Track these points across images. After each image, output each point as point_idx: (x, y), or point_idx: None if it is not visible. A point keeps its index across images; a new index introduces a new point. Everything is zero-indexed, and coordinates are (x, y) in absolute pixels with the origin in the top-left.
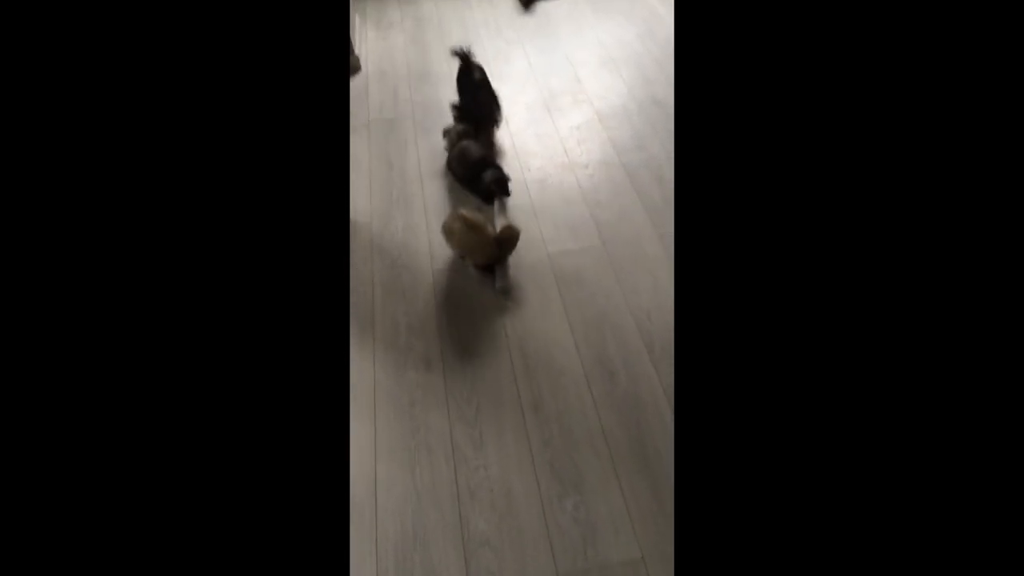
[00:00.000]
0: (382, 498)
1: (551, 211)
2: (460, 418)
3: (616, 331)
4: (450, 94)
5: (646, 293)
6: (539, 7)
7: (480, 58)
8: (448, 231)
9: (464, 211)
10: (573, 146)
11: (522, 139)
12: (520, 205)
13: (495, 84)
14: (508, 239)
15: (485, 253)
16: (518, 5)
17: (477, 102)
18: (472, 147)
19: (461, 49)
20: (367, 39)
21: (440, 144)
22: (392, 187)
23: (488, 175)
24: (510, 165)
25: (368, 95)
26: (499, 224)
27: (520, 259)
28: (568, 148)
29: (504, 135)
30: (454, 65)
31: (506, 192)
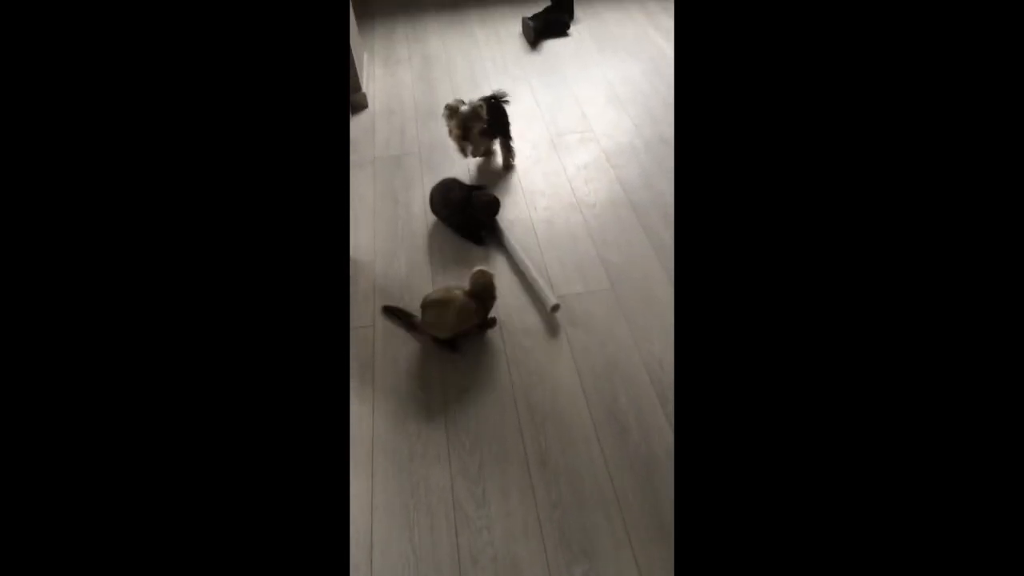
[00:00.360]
0: (378, 562)
1: (558, 251)
2: (462, 472)
3: (627, 381)
4: None
5: (658, 339)
6: (545, 45)
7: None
8: (432, 324)
9: (427, 296)
10: (580, 185)
11: (529, 178)
12: (527, 245)
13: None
14: (484, 287)
15: (471, 315)
16: (525, 43)
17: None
18: (456, 183)
19: (498, 95)
20: (375, 76)
21: None
22: (397, 223)
23: (476, 199)
24: (517, 204)
25: (375, 131)
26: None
27: (527, 303)
28: (575, 187)
29: (510, 173)
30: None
31: (494, 212)
